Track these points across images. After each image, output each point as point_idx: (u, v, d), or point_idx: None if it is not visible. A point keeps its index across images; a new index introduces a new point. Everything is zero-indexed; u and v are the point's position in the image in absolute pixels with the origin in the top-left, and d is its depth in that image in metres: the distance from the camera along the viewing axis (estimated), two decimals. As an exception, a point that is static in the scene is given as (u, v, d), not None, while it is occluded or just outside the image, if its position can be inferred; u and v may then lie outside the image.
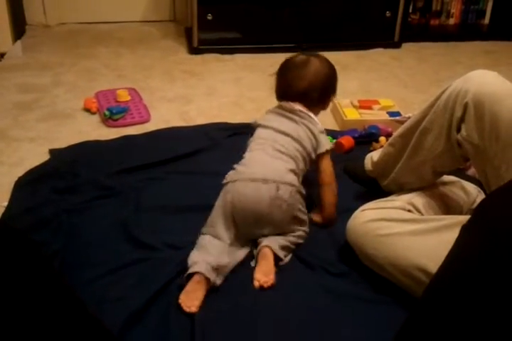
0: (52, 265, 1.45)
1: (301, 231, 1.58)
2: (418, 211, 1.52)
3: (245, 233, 1.55)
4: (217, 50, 3.05)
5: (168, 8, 3.51)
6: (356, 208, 1.54)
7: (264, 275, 1.45)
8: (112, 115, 2.24)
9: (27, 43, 3.06)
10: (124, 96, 2.41)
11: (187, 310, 1.34)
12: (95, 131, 2.23)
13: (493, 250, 0.90)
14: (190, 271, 1.41)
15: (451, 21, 3.54)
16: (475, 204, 1.64)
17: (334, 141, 2.10)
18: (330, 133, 2.17)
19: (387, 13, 3.15)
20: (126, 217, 1.68)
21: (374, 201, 1.55)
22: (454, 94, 1.42)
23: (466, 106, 1.39)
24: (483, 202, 1.02)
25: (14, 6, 2.99)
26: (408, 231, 1.39)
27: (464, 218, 1.35)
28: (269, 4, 3.05)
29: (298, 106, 1.67)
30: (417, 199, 1.55)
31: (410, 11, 3.38)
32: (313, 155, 1.66)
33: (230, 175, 1.58)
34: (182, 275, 1.43)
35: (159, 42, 3.22)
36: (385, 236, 1.41)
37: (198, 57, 3.01)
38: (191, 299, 1.36)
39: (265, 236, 1.54)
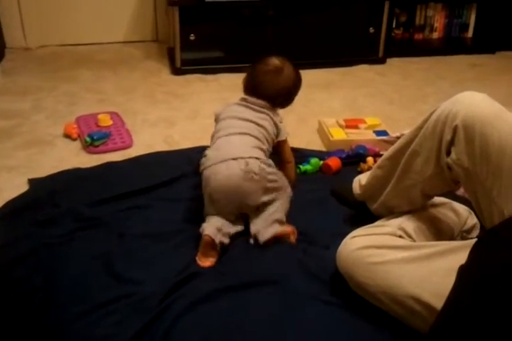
0: (32, 303, 1.41)
1: (279, 201, 1.67)
2: (409, 236, 1.49)
3: (227, 212, 1.66)
4: (200, 70, 3.02)
5: (150, 28, 3.49)
6: (345, 232, 1.49)
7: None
8: (93, 141, 2.19)
9: (6, 67, 3.02)
10: (105, 120, 2.36)
11: (202, 264, 1.58)
12: (76, 158, 2.18)
13: (498, 287, 0.87)
14: (202, 233, 1.61)
15: (435, 35, 3.54)
16: (466, 226, 1.63)
17: (321, 162, 2.06)
18: (317, 154, 2.15)
19: (371, 29, 3.14)
20: (109, 249, 1.62)
21: (364, 227, 1.51)
22: (443, 116, 1.39)
23: (455, 129, 1.36)
24: (480, 240, 0.99)
25: (-7, 29, 2.96)
26: (400, 259, 1.35)
27: (457, 244, 1.35)
28: (251, 23, 3.04)
29: (262, 102, 1.82)
30: (407, 223, 1.51)
31: (394, 26, 3.39)
32: (275, 140, 1.83)
33: (203, 163, 1.70)
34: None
35: (141, 63, 3.18)
36: (376, 264, 1.37)
37: (181, 78, 2.97)
38: (205, 258, 1.60)
39: (246, 213, 1.67)
